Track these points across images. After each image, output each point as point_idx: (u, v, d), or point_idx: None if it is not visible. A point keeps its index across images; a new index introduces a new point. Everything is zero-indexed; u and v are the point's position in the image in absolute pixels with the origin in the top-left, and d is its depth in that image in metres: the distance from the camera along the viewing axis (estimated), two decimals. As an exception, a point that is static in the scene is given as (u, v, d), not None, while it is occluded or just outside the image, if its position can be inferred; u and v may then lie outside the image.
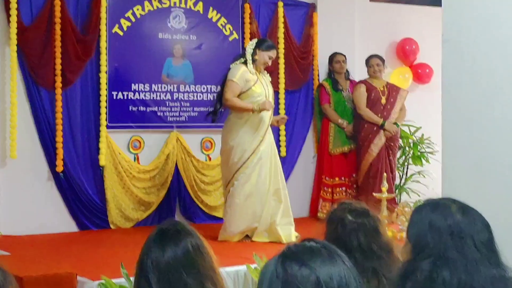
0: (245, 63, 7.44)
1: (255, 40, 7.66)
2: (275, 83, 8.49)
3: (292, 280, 1.87)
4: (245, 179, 7.37)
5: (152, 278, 2.87)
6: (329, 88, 9.34)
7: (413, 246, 2.58)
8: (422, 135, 9.71)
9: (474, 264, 2.46)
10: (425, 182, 9.37)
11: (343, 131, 9.21)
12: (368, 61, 9.12)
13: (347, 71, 9.45)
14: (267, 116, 7.46)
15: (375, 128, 8.93)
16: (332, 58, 9.41)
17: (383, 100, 9.02)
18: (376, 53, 9.26)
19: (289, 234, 7.41)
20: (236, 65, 7.43)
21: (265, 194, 7.41)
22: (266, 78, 7.66)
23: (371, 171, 8.92)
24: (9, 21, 7.65)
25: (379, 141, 8.92)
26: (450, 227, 2.53)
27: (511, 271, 2.50)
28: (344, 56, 9.36)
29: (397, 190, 9.45)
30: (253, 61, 7.45)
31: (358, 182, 9.10)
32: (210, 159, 8.80)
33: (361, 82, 9.14)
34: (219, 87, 7.63)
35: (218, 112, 7.51)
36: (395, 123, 8.98)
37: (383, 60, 9.14)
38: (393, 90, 9.14)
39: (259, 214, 7.40)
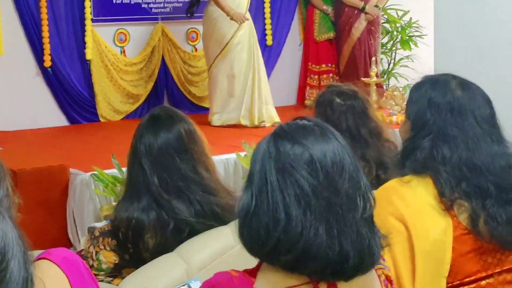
0: None
1: None
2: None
3: (285, 158, 1.83)
4: (226, 63, 7.64)
5: (145, 163, 2.91)
6: (314, -26, 9.22)
7: (413, 124, 2.55)
8: (410, 19, 9.58)
9: (475, 140, 2.44)
10: (414, 67, 9.34)
11: (328, 17, 9.11)
12: None
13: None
14: (244, 3, 7.59)
15: (355, 12, 8.78)
16: None
17: (364, -17, 8.84)
18: None
19: (261, 114, 7.62)
20: None
21: (246, 77, 7.62)
22: None
23: (354, 55, 8.85)
24: None
25: (360, 25, 8.77)
26: (449, 103, 2.49)
27: None
28: None
29: (385, 75, 9.44)
30: None
31: (340, 68, 9.04)
32: (196, 50, 8.75)
33: (342, -36, 8.95)
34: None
35: (194, 8, 7.95)
36: (376, 6, 8.85)
37: None
38: (376, -28, 8.95)
39: (240, 95, 7.64)
